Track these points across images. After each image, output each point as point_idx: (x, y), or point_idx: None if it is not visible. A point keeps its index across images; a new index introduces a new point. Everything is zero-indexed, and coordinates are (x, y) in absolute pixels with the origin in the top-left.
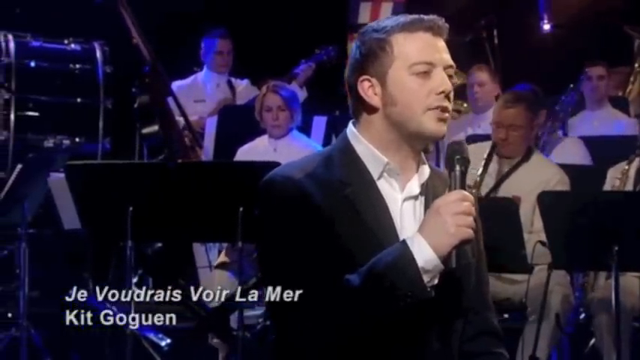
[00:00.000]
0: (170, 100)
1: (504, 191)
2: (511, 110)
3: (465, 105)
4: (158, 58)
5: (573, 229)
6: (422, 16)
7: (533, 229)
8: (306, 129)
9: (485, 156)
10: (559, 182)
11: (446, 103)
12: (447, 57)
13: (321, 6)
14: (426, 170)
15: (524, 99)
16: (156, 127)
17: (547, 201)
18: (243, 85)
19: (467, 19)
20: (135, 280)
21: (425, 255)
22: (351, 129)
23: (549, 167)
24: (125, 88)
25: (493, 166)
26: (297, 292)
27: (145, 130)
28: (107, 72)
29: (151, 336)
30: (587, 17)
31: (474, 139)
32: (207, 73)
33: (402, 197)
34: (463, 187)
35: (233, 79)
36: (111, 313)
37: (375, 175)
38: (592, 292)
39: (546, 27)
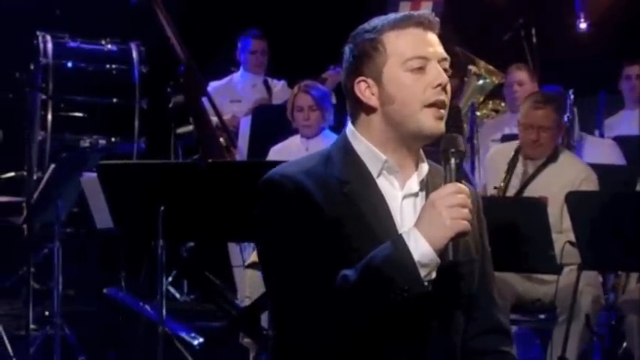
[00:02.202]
0: (205, 100)
1: (531, 192)
2: (540, 112)
3: (503, 104)
4: (195, 59)
5: (601, 229)
6: (411, 12)
7: (563, 229)
8: (340, 128)
9: (510, 158)
10: (585, 180)
11: (443, 97)
12: (440, 50)
13: (360, 6)
14: (424, 167)
15: (554, 100)
16: (190, 127)
17: (575, 201)
18: (279, 86)
19: (505, 18)
20: (170, 279)
21: (421, 249)
22: (350, 128)
23: (577, 166)
24: (160, 88)
25: (518, 168)
26: (297, 291)
27: (180, 130)
28: (143, 72)
29: (184, 335)
30: (620, 15)
31: (509, 138)
32: (243, 74)
33: (401, 194)
34: (458, 179)
35: (269, 80)
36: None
37: (374, 173)
38: (623, 293)
39: (583, 26)
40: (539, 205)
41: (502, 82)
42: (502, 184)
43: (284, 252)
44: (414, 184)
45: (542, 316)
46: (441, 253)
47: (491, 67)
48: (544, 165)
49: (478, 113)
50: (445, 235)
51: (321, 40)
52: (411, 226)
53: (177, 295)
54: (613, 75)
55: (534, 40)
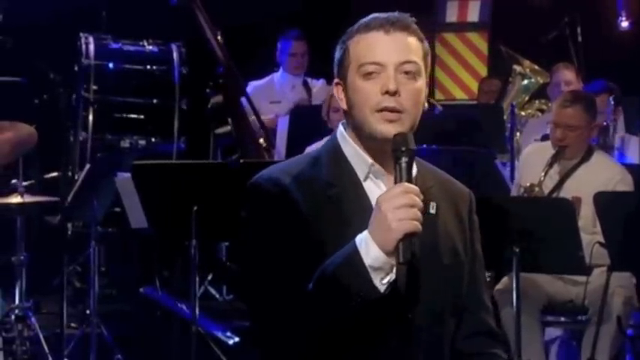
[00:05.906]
0: (244, 100)
1: (565, 192)
2: (568, 110)
3: (550, 104)
4: (237, 59)
5: (630, 230)
6: (379, 14)
7: (596, 230)
8: None
9: (547, 157)
10: (620, 182)
11: (392, 104)
12: (400, 55)
13: (407, 5)
14: (413, 171)
15: (582, 99)
16: (229, 128)
17: (603, 201)
18: (319, 86)
19: (550, 17)
20: (209, 278)
21: (372, 253)
22: (340, 130)
23: (611, 167)
24: (200, 88)
25: (555, 167)
26: (269, 296)
27: (218, 131)
28: (183, 73)
29: (219, 334)
30: None
31: (548, 137)
32: (283, 75)
33: None
34: (409, 179)
35: (309, 80)
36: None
37: (361, 176)
38: None
39: (624, 24)
40: (567, 206)
41: (547, 82)
42: (532, 183)
43: (261, 255)
44: None
45: (579, 317)
46: (395, 255)
47: (536, 67)
48: (577, 165)
49: (523, 113)
50: (393, 237)
51: None
52: (365, 231)
53: (217, 295)
54: None
55: (579, 38)
